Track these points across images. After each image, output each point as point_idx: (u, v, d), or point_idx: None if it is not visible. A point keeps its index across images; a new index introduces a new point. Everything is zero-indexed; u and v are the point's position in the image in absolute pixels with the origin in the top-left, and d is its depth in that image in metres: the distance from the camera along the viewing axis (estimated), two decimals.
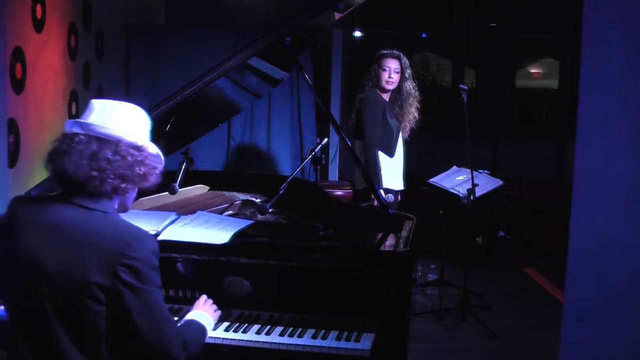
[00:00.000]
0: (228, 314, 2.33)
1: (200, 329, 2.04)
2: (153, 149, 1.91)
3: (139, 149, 1.85)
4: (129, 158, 1.81)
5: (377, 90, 4.26)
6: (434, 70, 11.50)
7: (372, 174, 4.05)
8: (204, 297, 2.24)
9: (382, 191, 4.07)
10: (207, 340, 2.08)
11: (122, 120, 1.85)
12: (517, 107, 11.34)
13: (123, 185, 1.81)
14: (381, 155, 4.20)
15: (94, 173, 1.75)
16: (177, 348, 1.79)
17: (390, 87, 4.26)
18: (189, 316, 2.09)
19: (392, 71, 4.22)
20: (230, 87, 3.24)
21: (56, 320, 1.70)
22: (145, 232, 1.79)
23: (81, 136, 1.79)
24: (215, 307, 2.23)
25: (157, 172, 1.91)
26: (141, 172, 1.84)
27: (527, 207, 7.37)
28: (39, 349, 1.74)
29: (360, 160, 3.21)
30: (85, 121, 1.81)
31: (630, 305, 2.15)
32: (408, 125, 4.35)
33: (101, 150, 1.77)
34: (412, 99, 4.32)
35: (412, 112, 4.34)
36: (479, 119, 8.90)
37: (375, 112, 4.17)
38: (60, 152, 1.77)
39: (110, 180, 1.77)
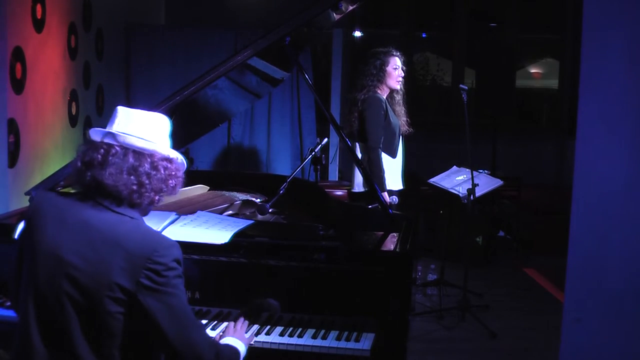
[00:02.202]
0: (228, 314, 2.33)
1: (234, 352, 1.98)
2: (180, 159, 1.93)
3: (170, 161, 1.88)
4: (164, 172, 1.85)
5: (378, 90, 4.24)
6: (433, 70, 11.50)
7: (376, 176, 4.03)
8: (232, 324, 2.16)
9: (386, 193, 4.05)
10: None
11: (152, 132, 1.87)
12: (517, 107, 11.33)
13: (157, 198, 1.86)
14: (383, 156, 4.18)
15: (134, 187, 1.79)
16: (208, 354, 1.79)
17: (399, 85, 4.28)
18: (222, 342, 2.03)
19: (400, 69, 4.25)
20: (230, 87, 3.24)
21: (73, 315, 1.71)
22: (171, 241, 1.80)
23: (117, 148, 1.80)
24: (245, 333, 2.15)
25: (181, 180, 1.94)
26: (173, 185, 1.88)
27: (527, 207, 7.36)
28: (53, 343, 1.74)
29: (360, 160, 3.20)
30: (118, 131, 1.82)
31: (630, 305, 2.15)
32: (404, 118, 4.36)
33: (141, 165, 1.80)
34: (401, 93, 4.35)
35: (404, 106, 4.36)
36: (479, 119, 8.90)
37: (378, 113, 4.16)
38: (96, 163, 1.78)
39: (147, 194, 1.82)
